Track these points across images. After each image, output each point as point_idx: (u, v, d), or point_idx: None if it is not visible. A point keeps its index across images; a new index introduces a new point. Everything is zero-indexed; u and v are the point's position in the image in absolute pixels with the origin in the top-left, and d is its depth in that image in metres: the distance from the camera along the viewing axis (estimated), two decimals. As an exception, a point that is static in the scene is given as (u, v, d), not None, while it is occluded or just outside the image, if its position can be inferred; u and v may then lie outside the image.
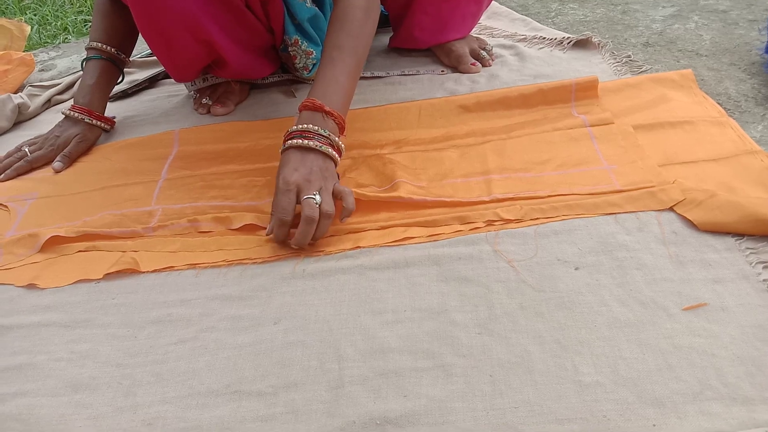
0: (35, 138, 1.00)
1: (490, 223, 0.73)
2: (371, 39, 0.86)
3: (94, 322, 0.68)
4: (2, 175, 0.94)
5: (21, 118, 1.15)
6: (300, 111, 0.78)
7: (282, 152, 0.76)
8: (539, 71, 1.07)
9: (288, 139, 0.76)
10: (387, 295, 0.66)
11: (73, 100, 1.04)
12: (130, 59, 1.09)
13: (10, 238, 0.81)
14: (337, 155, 0.77)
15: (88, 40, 1.03)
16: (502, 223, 0.73)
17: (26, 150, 0.97)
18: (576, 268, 0.66)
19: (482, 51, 1.12)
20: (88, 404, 0.59)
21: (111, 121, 1.04)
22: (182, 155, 0.94)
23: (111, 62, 1.02)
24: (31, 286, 0.74)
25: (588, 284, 0.64)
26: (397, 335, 0.61)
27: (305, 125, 0.75)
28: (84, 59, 1.03)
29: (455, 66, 1.11)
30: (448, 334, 0.61)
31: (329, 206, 0.71)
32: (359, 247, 0.73)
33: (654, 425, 0.50)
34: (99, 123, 1.01)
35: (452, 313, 0.63)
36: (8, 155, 0.98)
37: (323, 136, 0.75)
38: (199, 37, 0.90)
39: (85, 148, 0.98)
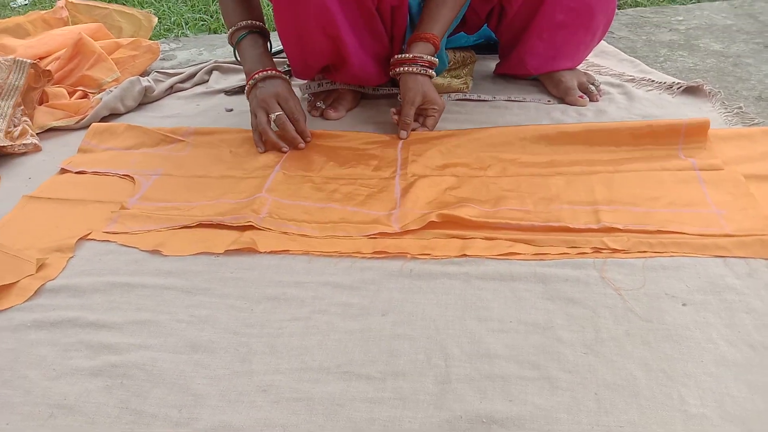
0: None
1: (596, 250, 0.75)
2: None
3: (214, 291, 0.72)
4: (301, 144, 0.99)
5: (145, 100, 1.24)
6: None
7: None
8: (648, 112, 1.08)
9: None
10: (492, 304, 0.68)
11: (246, 72, 1.04)
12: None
13: (131, 207, 0.87)
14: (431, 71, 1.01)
15: (225, 30, 1.08)
16: (609, 252, 0.74)
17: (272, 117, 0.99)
18: (683, 304, 0.67)
19: (590, 85, 1.14)
20: (207, 365, 0.63)
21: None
22: (297, 155, 0.99)
23: (260, 34, 1.05)
24: (154, 252, 0.79)
25: (695, 321, 0.65)
26: (503, 344, 0.63)
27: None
28: (237, 40, 1.03)
29: (562, 97, 1.13)
30: (554, 350, 0.62)
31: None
32: (465, 255, 0.75)
33: (762, 464, 0.51)
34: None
35: (558, 331, 0.64)
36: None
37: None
38: (329, 32, 0.96)
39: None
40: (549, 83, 1.16)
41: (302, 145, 0.99)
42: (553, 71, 1.15)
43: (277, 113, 0.98)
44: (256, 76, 1.00)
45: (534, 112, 1.10)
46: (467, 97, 1.16)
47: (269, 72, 1.00)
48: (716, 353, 0.61)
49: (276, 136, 0.99)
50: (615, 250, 0.74)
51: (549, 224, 0.78)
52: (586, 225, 0.78)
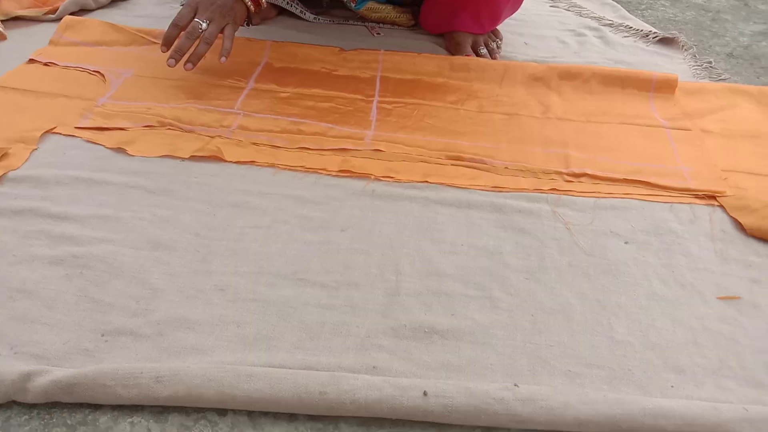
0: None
1: (554, 189, 0.78)
2: None
3: (177, 194, 0.73)
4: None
5: (118, -4, 1.20)
6: None
7: None
8: (621, 58, 1.09)
9: None
10: (447, 228, 0.71)
11: None
12: None
13: (101, 105, 0.86)
14: (251, 3, 0.92)
15: None
16: (564, 190, 0.77)
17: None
18: (626, 243, 0.71)
19: (485, 48, 1.08)
20: (167, 262, 0.65)
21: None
22: (271, 69, 0.98)
23: None
24: (119, 150, 0.79)
25: (635, 258, 0.69)
26: (453, 264, 0.67)
27: None
28: None
29: (452, 53, 1.07)
30: (499, 274, 0.66)
31: (209, 35, 0.86)
32: (427, 181, 0.78)
33: (672, 386, 0.56)
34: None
35: (506, 257, 0.68)
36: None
37: None
38: None
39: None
40: (446, 38, 1.11)
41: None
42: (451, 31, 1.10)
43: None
44: None
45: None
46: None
47: None
48: (649, 289, 0.65)
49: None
50: (569, 190, 0.77)
51: (517, 164, 0.81)
52: (555, 168, 0.80)
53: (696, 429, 0.51)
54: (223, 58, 0.88)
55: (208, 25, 0.87)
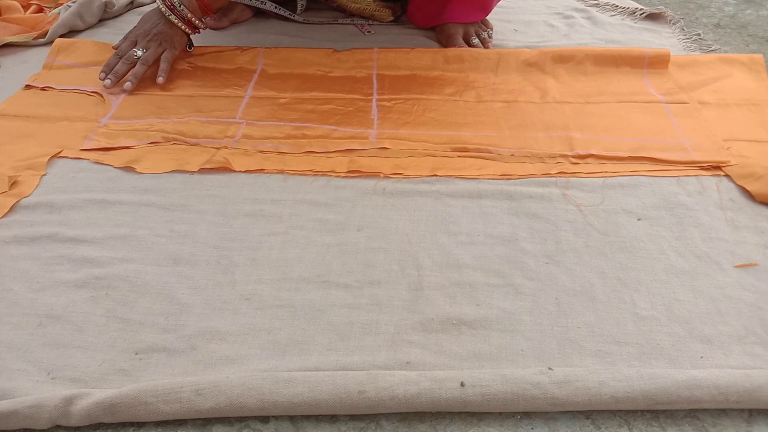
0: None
1: (562, 173, 0.79)
2: None
3: (191, 207, 0.74)
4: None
5: (105, 15, 1.19)
6: None
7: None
8: (611, 37, 1.11)
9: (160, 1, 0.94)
10: (461, 220, 0.72)
11: None
12: None
13: (103, 126, 0.86)
14: (186, 27, 0.96)
15: None
16: (572, 173, 0.78)
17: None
18: (639, 219, 0.72)
19: (476, 38, 1.08)
20: (190, 276, 0.65)
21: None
22: (267, 75, 0.98)
23: None
24: (128, 169, 0.79)
25: (649, 234, 0.70)
26: (471, 255, 0.67)
27: None
28: None
29: (445, 46, 1.08)
30: (518, 260, 0.67)
31: (145, 59, 0.93)
32: (436, 175, 0.78)
33: (702, 357, 0.57)
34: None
35: (522, 243, 0.69)
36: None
37: (177, 9, 0.94)
38: None
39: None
40: (437, 31, 1.11)
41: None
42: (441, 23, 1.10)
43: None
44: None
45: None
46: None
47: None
48: (666, 263, 0.66)
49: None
50: (577, 172, 0.78)
51: (523, 150, 0.82)
52: (560, 152, 0.81)
53: (730, 397, 0.52)
54: (161, 78, 0.94)
55: (144, 52, 0.94)
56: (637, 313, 0.61)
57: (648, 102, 0.92)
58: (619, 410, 0.54)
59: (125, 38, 0.98)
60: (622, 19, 1.18)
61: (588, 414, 0.54)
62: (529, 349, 0.58)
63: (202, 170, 0.79)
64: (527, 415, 0.53)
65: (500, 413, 0.53)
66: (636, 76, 0.97)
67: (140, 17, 1.01)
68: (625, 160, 0.80)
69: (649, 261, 0.67)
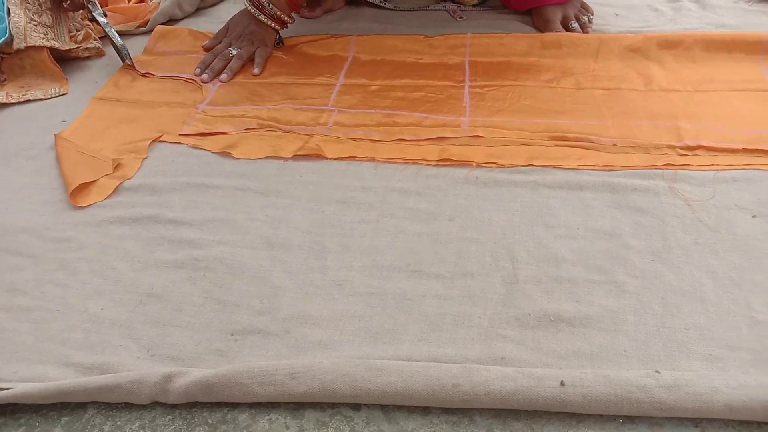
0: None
1: (669, 165, 0.74)
2: None
3: (285, 193, 0.75)
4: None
5: (202, 5, 1.23)
6: None
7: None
8: (722, 21, 1.03)
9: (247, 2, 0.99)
10: (560, 212, 0.69)
11: None
12: None
13: (201, 112, 0.89)
14: (275, 24, 1.00)
15: None
16: (679, 165, 0.74)
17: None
18: (753, 216, 0.67)
19: (576, 22, 1.03)
20: (284, 260, 0.66)
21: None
22: (359, 63, 0.98)
23: None
24: (225, 154, 0.81)
25: (765, 232, 0.65)
26: (570, 249, 0.65)
27: None
28: None
29: (541, 30, 1.04)
30: (621, 256, 0.63)
31: (240, 54, 0.97)
32: (532, 165, 0.76)
33: (829, 369, 0.52)
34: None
35: (626, 238, 0.65)
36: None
37: (267, 8, 0.97)
38: None
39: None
40: (534, 15, 1.07)
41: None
42: (537, 6, 1.06)
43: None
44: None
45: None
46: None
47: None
48: (786, 264, 0.61)
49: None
50: (685, 165, 0.74)
51: (626, 140, 0.77)
52: (667, 143, 0.77)
53: None
54: (257, 69, 0.97)
55: (239, 50, 0.98)
56: (753, 317, 0.56)
57: (765, 90, 0.85)
58: (732, 420, 0.50)
59: (215, 39, 1.02)
60: (735, 2, 1.10)
61: (697, 422, 0.50)
62: (633, 350, 0.54)
63: (295, 157, 0.80)
64: (630, 419, 0.50)
65: (601, 416, 0.51)
66: (751, 62, 0.90)
67: (230, 17, 1.05)
68: (739, 152, 0.75)
69: (765, 261, 0.62)
